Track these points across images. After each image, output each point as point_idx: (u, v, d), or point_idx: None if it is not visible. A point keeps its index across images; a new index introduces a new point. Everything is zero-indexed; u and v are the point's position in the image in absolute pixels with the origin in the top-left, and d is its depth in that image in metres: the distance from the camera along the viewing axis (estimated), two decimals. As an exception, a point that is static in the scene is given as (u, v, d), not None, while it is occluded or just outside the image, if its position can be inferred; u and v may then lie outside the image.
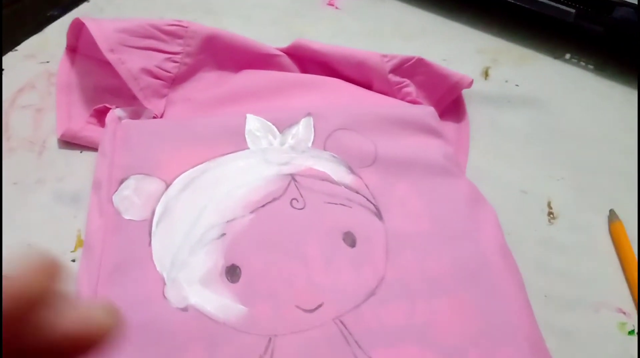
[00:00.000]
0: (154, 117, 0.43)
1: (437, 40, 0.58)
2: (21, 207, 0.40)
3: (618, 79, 0.56)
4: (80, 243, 0.38)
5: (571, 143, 0.49)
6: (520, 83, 0.54)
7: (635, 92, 0.54)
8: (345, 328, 0.33)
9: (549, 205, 0.45)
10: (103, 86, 0.47)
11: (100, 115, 0.44)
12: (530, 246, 0.41)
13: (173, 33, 0.45)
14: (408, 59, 0.47)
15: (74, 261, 0.37)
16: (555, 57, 0.57)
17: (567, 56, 0.58)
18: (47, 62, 0.50)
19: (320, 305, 0.34)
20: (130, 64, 0.43)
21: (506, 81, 0.54)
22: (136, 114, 0.44)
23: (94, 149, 0.43)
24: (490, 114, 0.51)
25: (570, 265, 0.41)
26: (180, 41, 0.45)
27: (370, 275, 0.35)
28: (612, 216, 0.43)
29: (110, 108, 0.43)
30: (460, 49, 0.57)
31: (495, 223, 0.39)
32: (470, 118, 0.50)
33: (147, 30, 0.44)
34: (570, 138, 0.50)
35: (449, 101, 0.49)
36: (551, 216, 0.44)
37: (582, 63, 0.57)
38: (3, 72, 0.49)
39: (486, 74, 0.55)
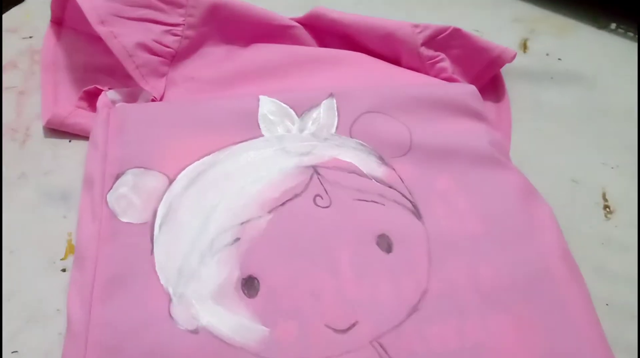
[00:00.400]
0: (153, 100, 0.38)
1: (468, 8, 0.52)
2: (4, 206, 0.35)
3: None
4: (71, 248, 0.33)
5: (621, 124, 0.44)
6: (563, 57, 0.48)
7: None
8: (386, 352, 0.28)
9: (604, 197, 0.39)
10: (94, 64, 0.42)
11: (90, 98, 0.39)
12: (585, 246, 0.36)
13: (173, 2, 0.39)
14: (442, 30, 0.41)
15: (64, 271, 0.32)
16: (600, 27, 0.52)
17: (613, 25, 0.52)
18: (30, 37, 0.44)
19: (354, 324, 0.29)
20: (124, 38, 0.37)
21: (547, 54, 0.49)
22: (132, 97, 0.39)
23: (85, 137, 0.38)
24: (531, 92, 0.45)
25: (633, 267, 0.36)
26: (181, 11, 0.39)
27: (411, 287, 0.30)
28: (678, 210, 0.38)
29: (102, 90, 0.38)
30: (495, 18, 0.51)
31: (554, 223, 0.33)
32: (509, 97, 0.45)
33: (144, -1, 0.39)
34: (622, 119, 0.44)
35: (488, 78, 0.43)
36: (607, 210, 0.39)
37: (630, 33, 0.51)
38: (-20, 48, 0.43)
39: (525, 46, 0.49)
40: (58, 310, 0.30)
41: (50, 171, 0.36)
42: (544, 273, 0.31)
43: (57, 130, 0.38)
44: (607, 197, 0.39)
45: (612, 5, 0.52)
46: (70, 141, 0.38)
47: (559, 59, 0.48)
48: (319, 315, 0.29)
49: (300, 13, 0.45)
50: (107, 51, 0.40)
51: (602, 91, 0.46)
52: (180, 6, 0.39)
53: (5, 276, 0.31)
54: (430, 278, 0.30)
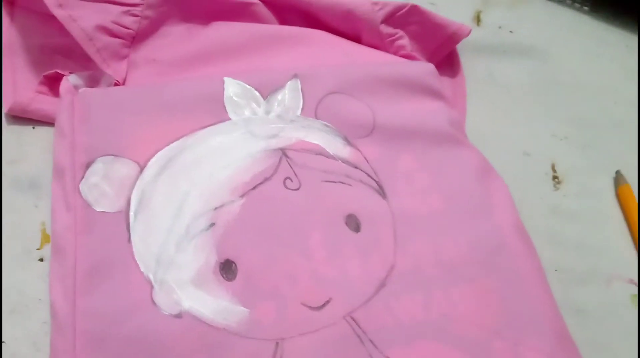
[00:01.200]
0: (116, 84, 0.38)
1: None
2: (-30, 198, 0.35)
3: (614, 21, 0.53)
4: (46, 238, 0.34)
5: (572, 96, 0.47)
6: (515, 29, 0.51)
7: (633, 37, 0.52)
8: (358, 326, 0.30)
9: (553, 168, 0.43)
10: (51, 45, 0.41)
11: (51, 82, 0.38)
12: (536, 215, 0.39)
13: (131, -18, 0.39)
14: (401, 7, 0.43)
15: (41, 260, 0.33)
16: (549, -1, 0.54)
17: (562, -4, 0.54)
18: (-21, 16, 0.43)
19: (328, 301, 0.31)
20: (83, 21, 0.37)
21: (500, 27, 0.51)
22: (94, 81, 0.39)
23: (48, 123, 0.38)
24: (485, 65, 0.48)
25: (580, 235, 0.39)
26: (140, -10, 0.39)
27: (379, 263, 0.33)
28: (619, 179, 0.42)
29: (64, 75, 0.38)
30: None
31: (508, 197, 0.36)
32: (464, 71, 0.47)
33: (99, -22, 0.38)
34: (570, 91, 0.48)
35: (444, 54, 0.45)
36: (556, 180, 0.42)
37: (577, 4, 0.54)
38: None
39: (478, 19, 0.51)
40: (40, 299, 0.31)
41: (16, 159, 0.36)
42: (501, 247, 0.34)
43: (19, 117, 0.38)
44: (556, 168, 0.43)
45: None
46: (34, 128, 0.38)
47: (511, 31, 0.51)
48: (295, 295, 0.31)
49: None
50: (63, 31, 0.40)
51: (550, 63, 0.49)
52: (139, -14, 0.39)
53: (-20, 268, 0.32)
54: (396, 255, 0.33)
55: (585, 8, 0.53)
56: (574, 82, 0.48)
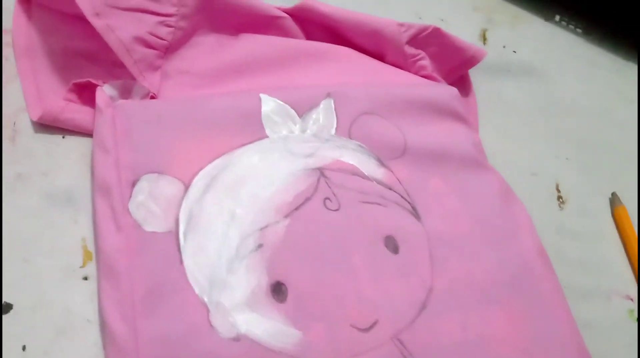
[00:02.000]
0: (152, 97, 0.37)
1: (431, -7, 0.55)
2: (4, 211, 0.33)
3: (605, 45, 0.56)
4: (88, 255, 0.33)
5: (570, 117, 0.50)
6: (517, 49, 0.53)
7: (624, 61, 0.55)
8: (405, 348, 0.32)
9: (557, 188, 0.45)
10: (74, 48, 0.39)
11: (80, 90, 0.37)
12: (543, 234, 0.41)
13: (167, -9, 0.38)
14: (424, 29, 0.44)
15: (86, 279, 0.32)
16: (546, 19, 0.56)
17: (557, 17, 0.57)
18: (-7, 11, 0.41)
19: (375, 323, 0.32)
20: (121, 32, 0.36)
21: (504, 47, 0.53)
22: (126, 90, 0.38)
23: (78, 133, 0.37)
24: (492, 85, 0.50)
25: (582, 253, 0.42)
26: (174, 0, 0.38)
27: (418, 285, 0.34)
28: (615, 201, 0.45)
29: (96, 84, 0.37)
30: (456, 5, 0.54)
31: (529, 221, 0.38)
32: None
33: (136, -13, 0.37)
34: (569, 112, 0.50)
35: (458, 75, 0.47)
36: (560, 200, 0.45)
37: (571, 26, 0.56)
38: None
39: (484, 37, 0.53)
40: (88, 320, 0.31)
41: (48, 171, 0.35)
42: (526, 270, 0.36)
43: (46, 124, 0.37)
44: (559, 188, 0.45)
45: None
46: (63, 137, 0.37)
47: (514, 51, 0.53)
48: (343, 316, 0.32)
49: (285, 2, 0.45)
50: (88, 34, 0.39)
51: (550, 84, 0.52)
52: (174, -5, 0.38)
53: (24, 286, 0.31)
54: (433, 276, 0.35)
55: (579, 30, 0.56)
56: (571, 104, 0.51)
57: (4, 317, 0.30)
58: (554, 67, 0.53)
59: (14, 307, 0.30)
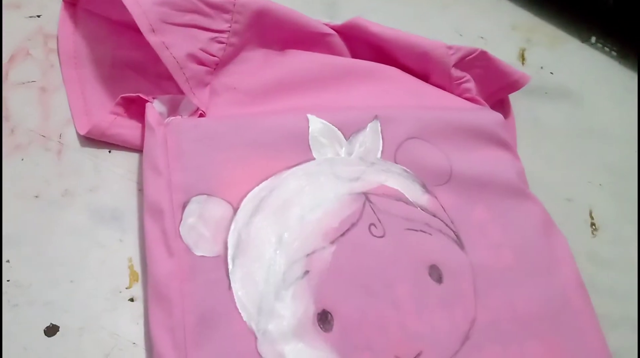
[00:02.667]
0: (200, 115, 0.36)
1: (472, 11, 0.53)
2: (51, 229, 0.32)
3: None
4: (134, 276, 0.32)
5: (605, 143, 0.49)
6: (555, 70, 0.52)
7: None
8: (449, 381, 0.31)
9: (590, 215, 0.44)
10: (121, 58, 0.38)
11: (128, 103, 0.36)
12: (576, 261, 0.41)
13: (219, 7, 0.36)
14: (471, 52, 0.42)
15: (132, 300, 0.31)
16: (583, 41, 0.55)
17: (593, 39, 0.55)
18: (38, 16, 0.39)
19: (419, 354, 0.31)
20: (175, 49, 0.34)
21: (542, 68, 0.51)
22: (175, 106, 0.36)
23: (125, 148, 0.36)
24: (530, 107, 0.48)
25: (614, 281, 0.41)
26: (227, 16, 0.37)
27: (461, 316, 0.33)
28: (650, 230, 0.44)
29: (147, 100, 0.35)
30: (496, 23, 0.53)
31: (569, 253, 0.37)
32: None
33: (190, 2, 0.35)
34: (603, 137, 0.49)
35: (499, 98, 0.45)
36: (593, 227, 0.44)
37: (607, 49, 0.55)
38: (-18, 29, 0.38)
39: (523, 57, 0.52)
40: (134, 343, 0.30)
41: (95, 186, 0.34)
42: (566, 305, 0.35)
43: (93, 139, 0.35)
44: (593, 215, 0.44)
45: (592, 18, 0.56)
46: (110, 152, 0.35)
47: (551, 72, 0.52)
48: (388, 347, 0.31)
49: (321, 14, 0.44)
50: (134, 43, 0.38)
51: (586, 108, 0.50)
52: (226, 11, 0.37)
53: (70, 308, 0.30)
54: (477, 308, 0.34)
55: (614, 53, 0.55)
56: (605, 129, 0.50)
57: (50, 339, 0.29)
58: (590, 91, 0.51)
59: (60, 330, 0.30)
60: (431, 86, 0.42)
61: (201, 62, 0.36)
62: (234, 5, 0.37)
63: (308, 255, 0.32)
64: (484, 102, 0.43)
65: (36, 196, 0.33)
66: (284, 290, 0.31)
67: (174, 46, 0.34)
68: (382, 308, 0.32)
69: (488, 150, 0.39)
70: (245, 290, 0.31)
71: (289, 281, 0.31)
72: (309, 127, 0.36)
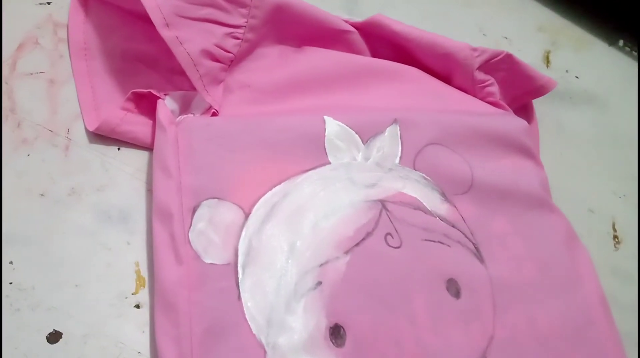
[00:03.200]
0: (213, 114, 0.34)
1: (498, 10, 0.50)
2: (56, 230, 0.30)
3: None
4: (141, 281, 0.30)
5: (630, 151, 0.46)
6: (580, 74, 0.49)
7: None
8: (465, 400, 0.29)
9: (613, 227, 0.42)
10: (133, 51, 0.36)
11: (138, 99, 0.34)
12: (599, 277, 0.39)
13: (236, 1, 0.34)
14: (496, 54, 0.40)
15: (138, 307, 0.30)
16: (610, 44, 0.52)
17: (621, 42, 0.53)
18: (48, 3, 0.37)
19: (434, 373, 0.30)
20: (189, 45, 0.32)
21: (567, 71, 0.49)
22: (187, 102, 0.35)
23: (134, 145, 0.34)
24: (554, 112, 0.46)
25: (636, 297, 0.40)
26: (243, 11, 0.35)
27: (479, 333, 0.31)
28: (675, 245, 0.42)
29: (159, 96, 0.33)
30: (521, 24, 0.50)
31: (592, 268, 0.35)
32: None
33: (206, -4, 0.33)
34: (628, 145, 0.47)
35: (523, 102, 0.43)
36: (616, 240, 0.42)
37: (635, 52, 0.52)
38: (-10, 16, 0.36)
39: (547, 60, 0.49)
40: (139, 352, 0.28)
41: (103, 186, 0.32)
42: (589, 322, 0.33)
43: (102, 135, 0.34)
44: (616, 227, 0.42)
45: (620, 20, 0.53)
46: (119, 149, 0.34)
47: (577, 77, 0.49)
48: (403, 365, 0.30)
49: (340, 9, 0.42)
50: (147, 35, 0.36)
51: (612, 115, 0.48)
52: (244, 6, 0.34)
53: (74, 314, 0.29)
54: (495, 324, 0.32)
55: (635, 53, 0.52)
56: (630, 136, 0.47)
57: (53, 346, 0.28)
58: (616, 97, 0.49)
59: (63, 336, 0.28)
60: (453, 89, 0.40)
61: (215, 59, 0.34)
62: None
63: (321, 265, 0.31)
64: (507, 106, 0.41)
65: (42, 195, 0.31)
66: (295, 302, 0.29)
67: (189, 41, 0.32)
68: (397, 322, 0.30)
69: (511, 158, 0.37)
70: (255, 300, 0.29)
71: (301, 293, 0.30)
72: (325, 129, 0.34)
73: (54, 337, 0.28)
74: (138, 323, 0.29)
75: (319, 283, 0.30)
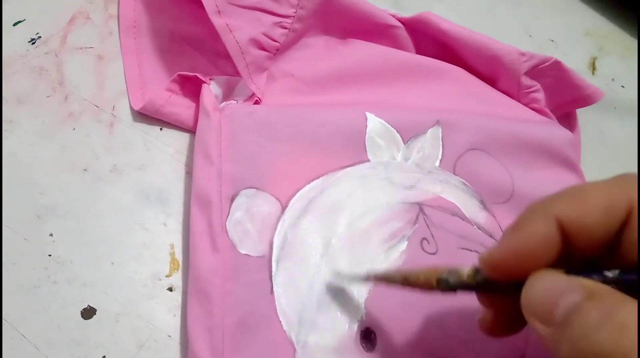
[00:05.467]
0: (256, 102, 0.32)
1: (544, 10, 0.47)
2: (96, 205, 0.29)
3: None
4: (175, 264, 0.29)
5: (670, 168, 0.44)
6: (627, 84, 0.46)
7: None
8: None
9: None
10: (180, 32, 0.35)
11: (183, 81, 0.33)
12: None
13: (287, -10, 0.32)
14: (545, 60, 0.37)
15: (171, 290, 0.29)
16: (659, 54, 0.49)
17: (670, 52, 0.49)
18: (101, -22, 0.36)
19: (462, 384, 0.29)
20: (239, 33, 0.31)
21: (613, 79, 0.46)
22: (230, 88, 0.33)
23: (176, 127, 0.33)
24: (597, 122, 0.43)
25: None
26: (293, 1, 0.33)
27: (510, 351, 0.30)
28: None
29: (204, 81, 0.32)
30: (568, 26, 0.47)
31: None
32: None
33: (258, -15, 0.32)
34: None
35: (567, 111, 0.41)
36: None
37: (684, 65, 0.49)
38: (44, -14, 0.35)
39: (593, 66, 0.46)
40: (169, 336, 0.28)
41: (144, 165, 0.31)
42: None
43: (145, 115, 0.32)
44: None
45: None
46: (161, 130, 0.32)
47: (622, 86, 0.46)
48: (432, 375, 0.28)
49: (387, 4, 0.39)
50: (194, 17, 0.34)
51: (655, 128, 0.45)
52: (294, -4, 0.33)
53: (109, 291, 0.28)
54: (527, 343, 0.30)
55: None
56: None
57: (87, 321, 0.27)
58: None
59: (97, 313, 0.27)
60: (498, 92, 0.38)
61: (262, 47, 0.32)
62: (303, -10, 0.33)
63: (355, 265, 0.29)
64: (551, 114, 0.38)
65: (85, 170, 0.30)
66: (327, 302, 0.28)
67: (238, 29, 0.31)
68: (428, 331, 0.29)
69: (554, 170, 0.35)
70: (287, 295, 0.28)
71: (333, 292, 0.28)
72: (366, 126, 0.33)
73: (88, 312, 0.27)
74: (170, 306, 0.28)
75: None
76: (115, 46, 0.34)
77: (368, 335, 0.28)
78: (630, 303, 0.17)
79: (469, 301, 0.30)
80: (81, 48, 0.33)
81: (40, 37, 0.33)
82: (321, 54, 0.35)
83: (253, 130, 0.30)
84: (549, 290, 0.19)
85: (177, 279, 0.29)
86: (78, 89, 0.32)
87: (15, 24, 0.33)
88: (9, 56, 0.32)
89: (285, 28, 0.33)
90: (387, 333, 0.28)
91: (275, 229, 0.29)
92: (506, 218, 0.33)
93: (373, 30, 0.36)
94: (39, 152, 0.30)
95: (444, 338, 0.29)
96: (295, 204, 0.30)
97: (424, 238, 0.31)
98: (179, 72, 0.32)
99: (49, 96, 0.31)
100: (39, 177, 0.29)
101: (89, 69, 0.33)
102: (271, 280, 0.28)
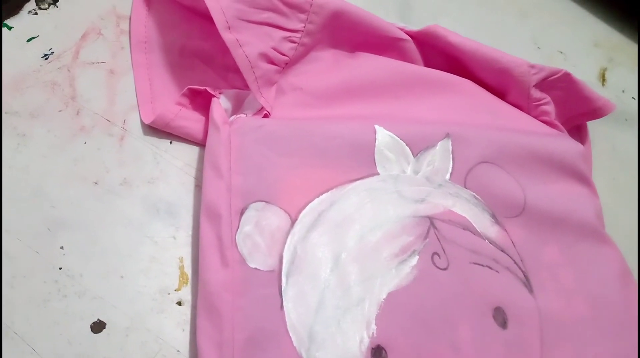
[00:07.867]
0: (265, 115, 0.32)
1: (552, 21, 0.47)
2: (106, 219, 0.29)
3: None
4: (184, 277, 0.29)
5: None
6: (636, 95, 0.45)
7: None
8: None
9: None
10: (191, 47, 0.34)
11: (193, 94, 0.33)
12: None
13: (296, 6, 0.32)
14: (554, 73, 0.36)
15: (180, 304, 0.28)
16: (670, 66, 0.48)
17: (681, 65, 0.48)
18: (113, -6, 0.36)
19: (474, 402, 0.28)
20: (248, 48, 0.30)
21: (623, 91, 0.45)
22: (239, 101, 0.33)
23: (186, 140, 0.33)
24: (608, 134, 0.42)
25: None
26: (302, 16, 0.32)
27: (522, 367, 0.29)
28: None
29: (214, 95, 0.32)
30: (577, 38, 0.46)
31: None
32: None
33: (268, 0, 0.31)
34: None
35: (578, 123, 0.40)
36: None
37: (695, 76, 0.48)
38: (57, 3, 0.35)
39: (603, 78, 0.45)
40: (178, 351, 0.27)
41: (153, 178, 0.31)
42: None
43: (156, 128, 0.32)
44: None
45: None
46: (171, 143, 0.32)
47: (633, 97, 0.45)
48: (441, 392, 0.27)
49: (394, 13, 0.39)
50: (204, 33, 0.34)
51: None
52: (303, 11, 0.32)
53: (118, 305, 0.27)
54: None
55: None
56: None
57: (96, 335, 0.27)
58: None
59: (106, 327, 0.27)
60: (508, 105, 0.37)
61: (271, 62, 0.32)
62: (311, 5, 0.32)
63: (365, 280, 0.29)
64: (562, 127, 0.37)
65: (95, 183, 0.30)
66: (337, 319, 0.27)
67: (248, 44, 0.30)
68: (440, 349, 0.28)
69: (565, 183, 0.34)
70: (297, 311, 0.27)
71: (344, 308, 0.28)
72: (375, 139, 0.32)
73: (97, 326, 0.27)
74: (179, 321, 0.28)
75: (362, 299, 0.28)
76: (127, 61, 0.34)
77: (379, 352, 0.27)
78: None
79: (482, 315, 0.29)
80: (93, 63, 0.33)
81: (53, 52, 0.33)
82: (330, 67, 0.35)
83: (262, 143, 0.30)
84: None
85: (186, 293, 0.28)
86: (90, 104, 0.32)
87: (29, 40, 0.33)
88: (22, 71, 0.32)
89: (294, 42, 0.33)
90: (398, 351, 0.27)
91: (284, 243, 0.28)
92: (518, 232, 0.32)
93: (381, 43, 0.36)
94: (50, 165, 0.30)
95: (455, 355, 0.28)
96: (304, 217, 0.29)
97: (435, 253, 0.30)
98: (189, 86, 0.32)
99: (61, 110, 0.31)
100: (50, 190, 0.29)
101: (101, 83, 0.33)
102: (281, 295, 0.27)
